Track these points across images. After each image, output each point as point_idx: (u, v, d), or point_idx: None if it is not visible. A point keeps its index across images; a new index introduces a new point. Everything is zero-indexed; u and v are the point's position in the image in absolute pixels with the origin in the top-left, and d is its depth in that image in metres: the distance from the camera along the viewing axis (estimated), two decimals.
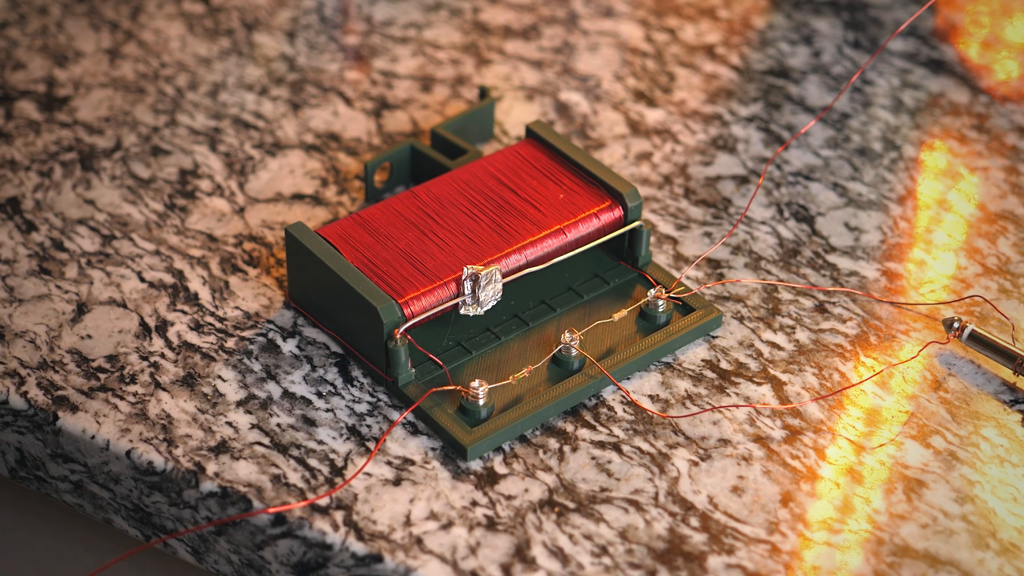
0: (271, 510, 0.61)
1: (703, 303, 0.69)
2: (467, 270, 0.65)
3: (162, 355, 0.67)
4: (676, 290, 0.69)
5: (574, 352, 0.66)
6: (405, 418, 0.64)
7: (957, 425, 0.65)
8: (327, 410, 0.65)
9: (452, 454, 0.63)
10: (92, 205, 0.75)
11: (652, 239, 0.74)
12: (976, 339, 0.67)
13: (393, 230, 0.68)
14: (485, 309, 0.66)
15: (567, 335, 0.66)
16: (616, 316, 0.67)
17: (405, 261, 0.66)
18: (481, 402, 0.64)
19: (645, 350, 0.66)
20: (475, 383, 0.64)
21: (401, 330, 0.64)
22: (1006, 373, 0.67)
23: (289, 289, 0.69)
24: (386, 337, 0.64)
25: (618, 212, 0.70)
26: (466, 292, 0.65)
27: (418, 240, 0.67)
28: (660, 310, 0.68)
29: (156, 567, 0.72)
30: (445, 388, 0.64)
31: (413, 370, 0.65)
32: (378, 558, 0.59)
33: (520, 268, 0.67)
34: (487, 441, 0.63)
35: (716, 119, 0.82)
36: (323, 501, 0.61)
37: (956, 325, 0.68)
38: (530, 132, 0.73)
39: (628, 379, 0.67)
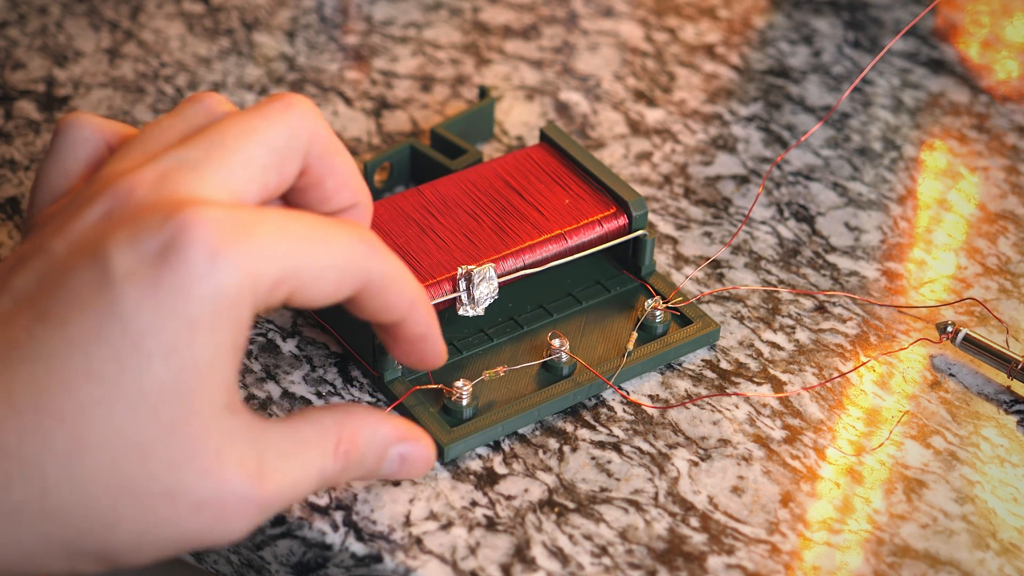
0: None
1: (701, 315, 0.68)
2: (460, 270, 0.65)
3: None
4: (674, 300, 0.68)
5: (564, 357, 0.65)
6: None
7: (957, 425, 0.65)
8: None
9: None
10: None
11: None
12: (970, 343, 0.67)
13: (393, 226, 0.68)
14: (483, 307, 0.65)
15: (556, 341, 0.65)
16: (630, 344, 0.66)
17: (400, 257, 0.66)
18: (464, 402, 0.63)
19: (638, 360, 0.66)
20: (459, 383, 0.63)
21: None
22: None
23: None
24: (372, 332, 0.64)
25: (622, 220, 0.69)
26: (461, 291, 0.65)
27: (416, 237, 0.67)
28: (657, 320, 0.67)
29: (156, 567, 0.72)
30: (429, 387, 0.64)
31: (400, 367, 0.65)
32: (378, 558, 0.59)
33: (517, 271, 0.67)
34: (464, 443, 0.62)
35: (716, 119, 0.82)
36: (322, 501, 0.61)
37: (949, 329, 0.68)
38: (544, 136, 0.72)
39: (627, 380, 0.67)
